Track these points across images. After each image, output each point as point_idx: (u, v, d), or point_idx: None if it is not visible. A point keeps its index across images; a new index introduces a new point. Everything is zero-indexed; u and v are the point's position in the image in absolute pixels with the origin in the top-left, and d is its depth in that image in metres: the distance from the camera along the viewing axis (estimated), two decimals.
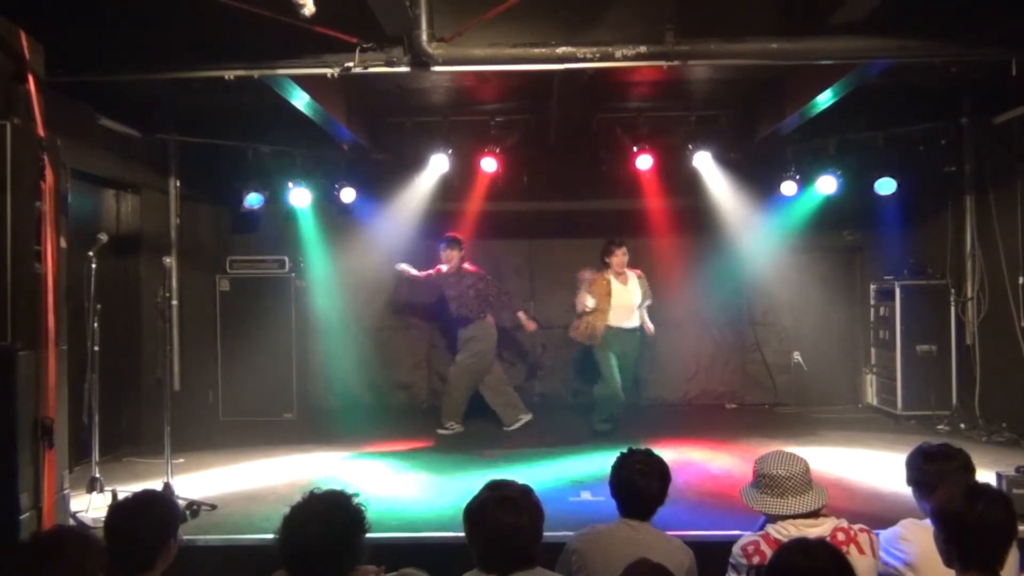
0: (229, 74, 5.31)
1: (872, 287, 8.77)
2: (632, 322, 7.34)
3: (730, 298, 9.05)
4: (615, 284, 7.29)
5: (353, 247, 8.82)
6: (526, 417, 7.73)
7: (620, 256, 7.31)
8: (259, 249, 8.70)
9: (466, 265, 7.66)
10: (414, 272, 7.69)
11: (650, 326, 7.49)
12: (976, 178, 7.71)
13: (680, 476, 5.54)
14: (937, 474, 3.21)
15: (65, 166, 4.65)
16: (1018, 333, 6.95)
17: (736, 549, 3.03)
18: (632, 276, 7.40)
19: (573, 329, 7.43)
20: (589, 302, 7.20)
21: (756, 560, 2.92)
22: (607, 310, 7.21)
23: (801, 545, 2.40)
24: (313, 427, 7.97)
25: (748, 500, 3.13)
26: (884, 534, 3.15)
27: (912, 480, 3.33)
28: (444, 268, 7.58)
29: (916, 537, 3.03)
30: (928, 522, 2.92)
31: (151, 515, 2.71)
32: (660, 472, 3.27)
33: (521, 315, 7.74)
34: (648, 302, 7.48)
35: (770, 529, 3.02)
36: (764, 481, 3.06)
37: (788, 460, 3.09)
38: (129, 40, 5.30)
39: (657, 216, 8.70)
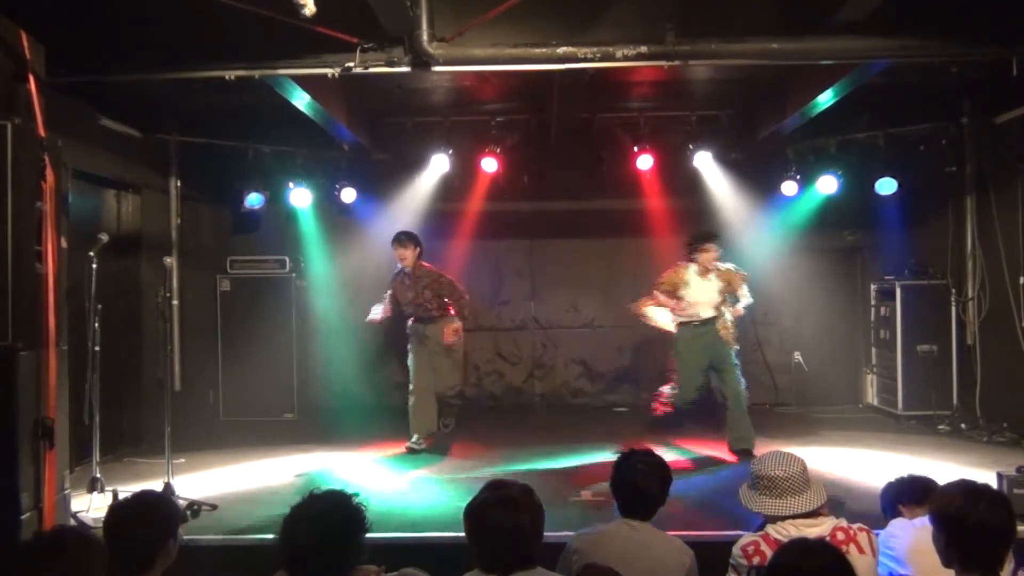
0: (230, 74, 5.31)
1: (873, 287, 8.77)
2: (708, 312, 6.63)
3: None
4: (694, 278, 6.63)
5: (354, 247, 8.82)
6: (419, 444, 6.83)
7: (709, 253, 6.58)
8: (260, 249, 8.71)
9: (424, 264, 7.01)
10: (380, 311, 7.09)
11: (738, 310, 6.74)
12: (977, 178, 7.71)
13: (680, 476, 5.54)
14: (923, 489, 3.29)
15: (66, 166, 4.66)
16: (1019, 333, 6.94)
17: (736, 550, 3.02)
18: (715, 273, 6.64)
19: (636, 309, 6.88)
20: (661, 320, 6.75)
21: (756, 560, 2.91)
22: (683, 305, 6.65)
23: (801, 545, 2.40)
24: (313, 427, 7.98)
25: (746, 502, 3.12)
26: (879, 534, 3.16)
27: (902, 501, 3.39)
28: (400, 267, 6.95)
29: (904, 533, 3.05)
30: (918, 521, 2.93)
31: (150, 515, 2.70)
32: (662, 473, 3.28)
33: (457, 327, 6.95)
34: (744, 303, 6.77)
35: (770, 529, 3.02)
36: (762, 483, 3.05)
37: (786, 460, 3.08)
38: (130, 40, 5.30)
39: (658, 216, 8.70)
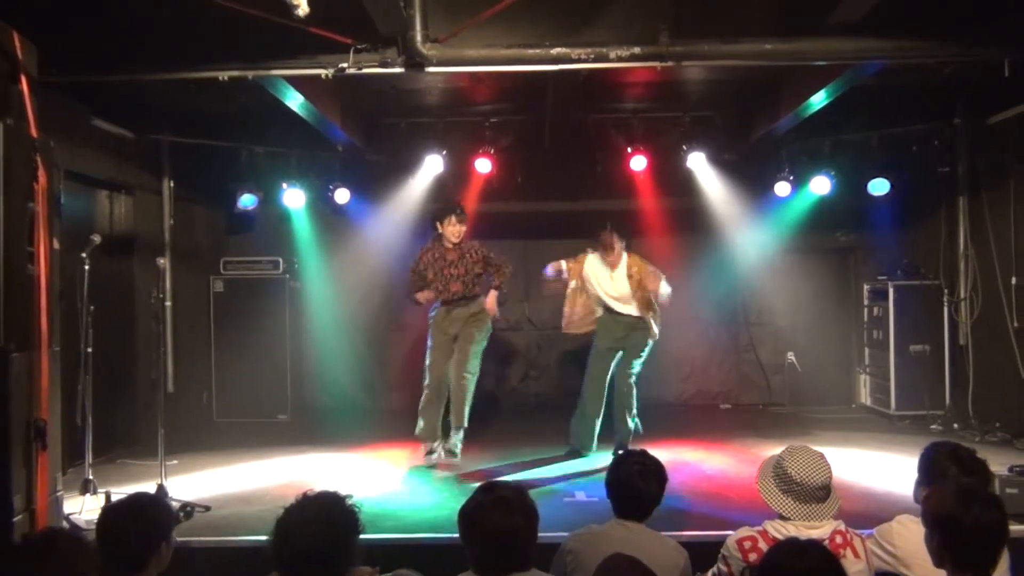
0: (223, 75, 5.30)
1: (866, 287, 8.80)
2: (627, 308, 6.54)
3: (724, 298, 9.06)
4: (600, 266, 6.59)
5: (347, 248, 8.81)
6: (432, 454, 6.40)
7: (604, 237, 6.52)
8: (253, 250, 8.69)
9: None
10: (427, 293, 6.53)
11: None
12: (969, 179, 7.74)
13: (675, 476, 5.50)
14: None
15: (58, 167, 4.64)
16: (1011, 333, 6.97)
17: (731, 542, 3.01)
18: (623, 265, 6.53)
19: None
20: (563, 264, 6.62)
21: (753, 557, 2.89)
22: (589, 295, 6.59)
23: (794, 546, 2.39)
24: (307, 428, 7.97)
25: (762, 473, 3.12)
26: (879, 528, 3.13)
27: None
28: (450, 241, 6.49)
29: (908, 531, 3.01)
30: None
31: (144, 517, 2.70)
32: (659, 474, 3.28)
33: (493, 295, 6.52)
34: (658, 293, 6.43)
35: (768, 526, 3.00)
36: (779, 471, 3.04)
37: (810, 466, 2.99)
38: (123, 41, 5.28)
39: (652, 217, 8.70)
